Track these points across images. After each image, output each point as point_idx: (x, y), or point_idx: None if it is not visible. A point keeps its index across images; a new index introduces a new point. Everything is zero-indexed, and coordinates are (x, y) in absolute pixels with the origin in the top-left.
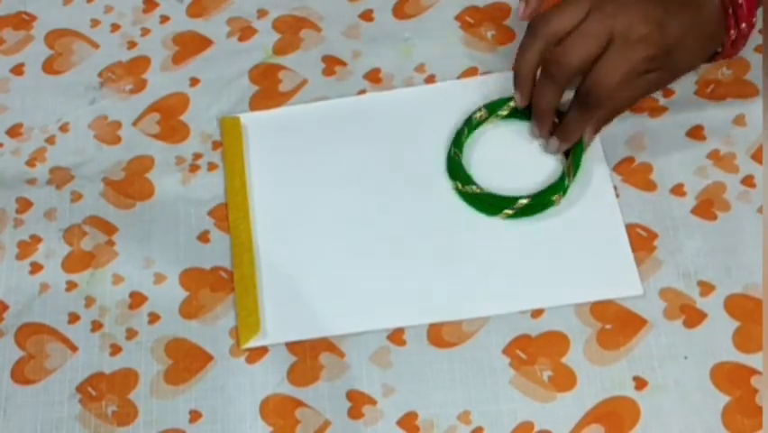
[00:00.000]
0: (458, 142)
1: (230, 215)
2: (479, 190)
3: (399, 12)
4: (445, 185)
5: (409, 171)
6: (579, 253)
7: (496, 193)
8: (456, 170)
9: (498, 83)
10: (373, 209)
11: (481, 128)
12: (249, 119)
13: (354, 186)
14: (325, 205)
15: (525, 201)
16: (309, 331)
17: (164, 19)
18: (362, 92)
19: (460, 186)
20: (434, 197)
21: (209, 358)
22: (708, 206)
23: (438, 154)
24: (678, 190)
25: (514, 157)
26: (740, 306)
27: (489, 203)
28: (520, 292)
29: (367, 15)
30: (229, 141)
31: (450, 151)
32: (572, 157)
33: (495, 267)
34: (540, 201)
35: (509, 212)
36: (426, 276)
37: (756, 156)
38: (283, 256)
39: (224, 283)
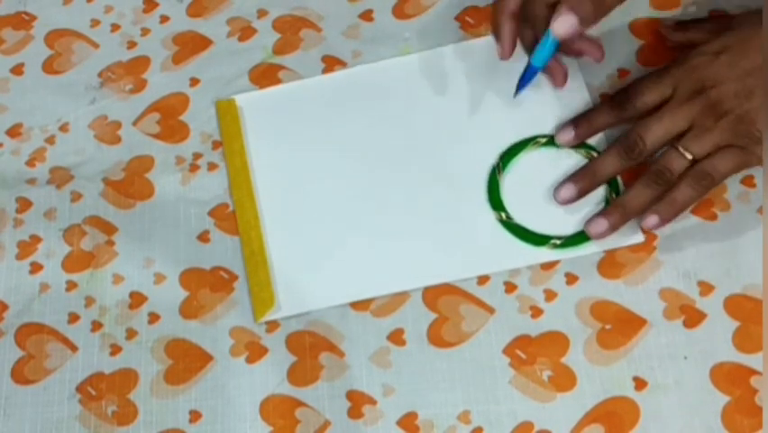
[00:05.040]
0: (498, 171)
1: (233, 194)
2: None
3: (399, 12)
4: (443, 151)
5: (409, 139)
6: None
7: (544, 233)
8: (499, 200)
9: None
10: (375, 178)
11: (519, 156)
12: (244, 100)
13: (355, 155)
14: (327, 177)
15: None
16: (322, 301)
17: (164, 19)
18: None
19: (504, 217)
20: (434, 163)
21: (209, 358)
22: (708, 206)
23: (436, 120)
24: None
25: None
26: (740, 306)
27: (534, 234)
28: (528, 247)
29: (367, 15)
30: (226, 123)
31: (490, 182)
32: (610, 184)
33: (499, 226)
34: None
35: (557, 242)
36: (430, 241)
37: None
38: (290, 230)
39: (224, 283)
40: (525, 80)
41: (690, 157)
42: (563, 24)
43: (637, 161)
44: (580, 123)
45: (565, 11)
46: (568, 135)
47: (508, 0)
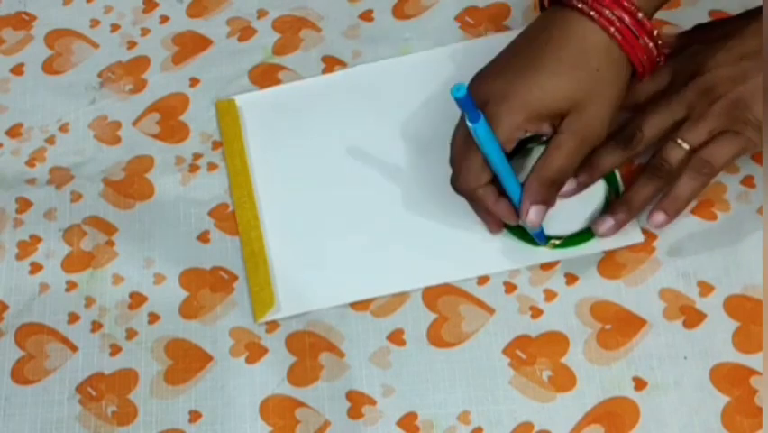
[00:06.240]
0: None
1: (233, 194)
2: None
3: (399, 12)
4: (443, 151)
5: (409, 139)
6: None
7: (547, 233)
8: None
9: (499, 44)
10: (374, 177)
11: (518, 155)
12: (244, 100)
13: (355, 155)
14: (327, 177)
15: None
16: (322, 301)
17: (164, 19)
18: None
19: None
20: (434, 163)
21: (209, 358)
22: (708, 206)
23: (435, 120)
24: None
25: None
26: (740, 306)
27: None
28: (528, 247)
29: (367, 15)
30: (226, 123)
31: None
32: (610, 184)
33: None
34: (588, 230)
35: (556, 242)
36: (430, 242)
37: (756, 157)
38: (290, 230)
39: (224, 283)
40: (540, 237)
41: (686, 147)
42: (535, 216)
43: (636, 152)
44: None
45: (530, 209)
46: None
47: (487, 196)
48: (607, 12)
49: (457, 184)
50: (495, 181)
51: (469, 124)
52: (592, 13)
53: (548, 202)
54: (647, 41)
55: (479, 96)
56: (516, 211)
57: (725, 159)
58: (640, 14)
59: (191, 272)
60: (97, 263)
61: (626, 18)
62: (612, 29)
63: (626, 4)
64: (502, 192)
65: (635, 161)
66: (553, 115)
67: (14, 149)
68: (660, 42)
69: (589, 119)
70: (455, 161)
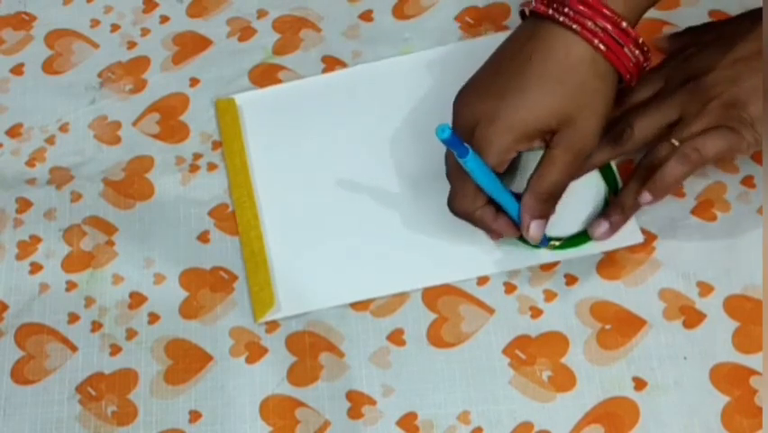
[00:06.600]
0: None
1: (233, 194)
2: None
3: (399, 12)
4: (443, 151)
5: (409, 139)
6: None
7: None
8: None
9: (498, 44)
10: (375, 177)
11: (518, 156)
12: (244, 99)
13: (355, 155)
14: (327, 176)
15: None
16: (322, 301)
17: (164, 19)
18: None
19: None
20: (434, 163)
21: (209, 358)
22: (707, 206)
23: (436, 120)
24: (677, 191)
25: None
26: (739, 306)
27: None
28: (527, 248)
29: (367, 15)
30: (225, 122)
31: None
32: (609, 185)
33: None
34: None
35: (556, 243)
36: (430, 242)
37: (756, 157)
38: (290, 230)
39: (224, 283)
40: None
41: (678, 144)
42: (536, 231)
43: (625, 149)
44: None
45: (531, 224)
46: None
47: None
48: (589, 23)
49: (454, 207)
50: (491, 200)
51: (459, 160)
52: (575, 26)
53: (547, 216)
54: (633, 48)
55: (466, 119)
56: (516, 225)
57: (714, 150)
58: (624, 23)
59: (191, 272)
60: (97, 263)
61: (610, 28)
62: (596, 41)
63: (608, 13)
64: (500, 208)
65: (633, 161)
66: (542, 133)
67: (14, 149)
68: (646, 49)
69: (580, 132)
70: (450, 182)
